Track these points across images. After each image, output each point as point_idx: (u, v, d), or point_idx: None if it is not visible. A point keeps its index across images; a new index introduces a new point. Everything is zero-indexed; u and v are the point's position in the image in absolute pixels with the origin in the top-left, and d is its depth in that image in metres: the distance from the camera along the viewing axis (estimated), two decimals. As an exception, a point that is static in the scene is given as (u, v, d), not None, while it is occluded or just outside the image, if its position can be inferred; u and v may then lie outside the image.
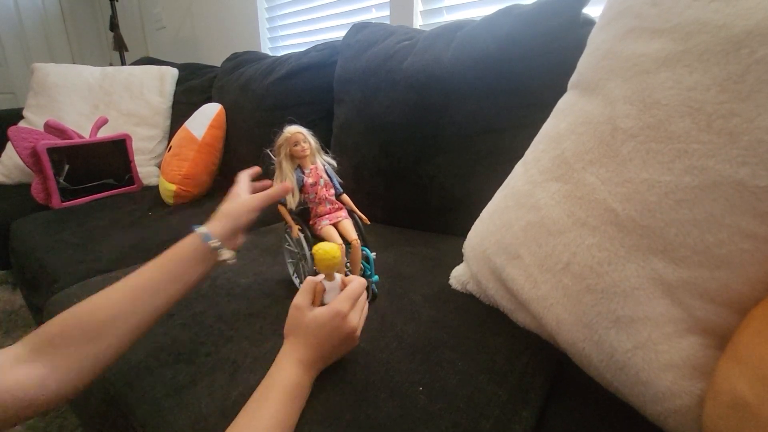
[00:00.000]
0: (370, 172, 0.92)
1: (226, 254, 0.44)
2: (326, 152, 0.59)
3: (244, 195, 0.48)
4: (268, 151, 0.55)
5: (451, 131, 0.81)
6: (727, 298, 0.35)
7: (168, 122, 1.59)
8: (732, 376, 0.31)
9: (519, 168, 0.55)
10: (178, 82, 1.63)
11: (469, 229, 0.60)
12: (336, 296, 0.41)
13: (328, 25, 1.50)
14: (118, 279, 0.66)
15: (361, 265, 0.55)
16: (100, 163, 1.27)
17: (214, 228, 0.44)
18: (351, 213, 0.58)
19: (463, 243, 0.61)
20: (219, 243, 0.43)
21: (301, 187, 0.54)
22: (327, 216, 0.56)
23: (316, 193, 0.55)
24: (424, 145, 0.84)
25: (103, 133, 1.31)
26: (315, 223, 0.56)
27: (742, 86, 0.33)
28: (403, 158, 0.88)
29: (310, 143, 0.54)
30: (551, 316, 0.45)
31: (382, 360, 0.45)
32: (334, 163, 0.58)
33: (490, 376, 0.44)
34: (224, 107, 1.28)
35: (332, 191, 0.57)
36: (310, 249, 0.52)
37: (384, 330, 0.50)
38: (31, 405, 0.33)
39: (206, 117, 1.24)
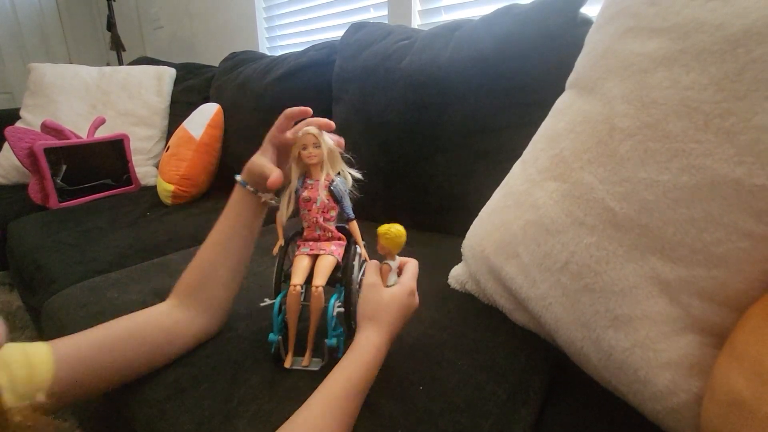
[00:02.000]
0: (368, 172, 0.90)
1: (266, 196, 0.48)
2: (350, 163, 0.49)
3: (265, 156, 0.47)
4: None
5: (450, 130, 0.81)
6: (724, 297, 0.35)
7: (166, 122, 1.58)
8: (729, 374, 0.31)
9: (517, 167, 0.55)
10: (176, 82, 1.63)
11: (467, 229, 0.60)
12: (395, 276, 0.44)
13: (327, 24, 1.50)
14: (116, 279, 0.67)
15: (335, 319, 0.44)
16: (97, 164, 1.27)
17: (246, 176, 0.48)
18: (352, 244, 0.48)
19: (461, 242, 0.61)
20: (254, 189, 0.47)
21: (297, 198, 0.46)
22: (310, 244, 0.47)
23: (308, 211, 0.46)
24: (422, 144, 0.85)
25: (101, 133, 1.30)
26: (299, 245, 0.47)
27: (738, 85, 0.33)
28: (401, 157, 0.88)
29: (323, 150, 0.44)
30: (550, 315, 0.45)
31: (382, 359, 0.45)
32: (349, 178, 0.48)
33: (490, 375, 0.44)
34: (222, 107, 1.28)
35: (331, 215, 0.47)
36: (278, 278, 0.45)
37: (383, 329, 0.50)
38: (189, 339, 0.46)
39: (204, 117, 1.24)
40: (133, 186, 1.36)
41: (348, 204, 0.47)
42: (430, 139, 0.83)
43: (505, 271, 0.50)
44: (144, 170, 1.44)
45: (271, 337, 0.43)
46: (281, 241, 0.46)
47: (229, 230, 0.48)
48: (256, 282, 0.62)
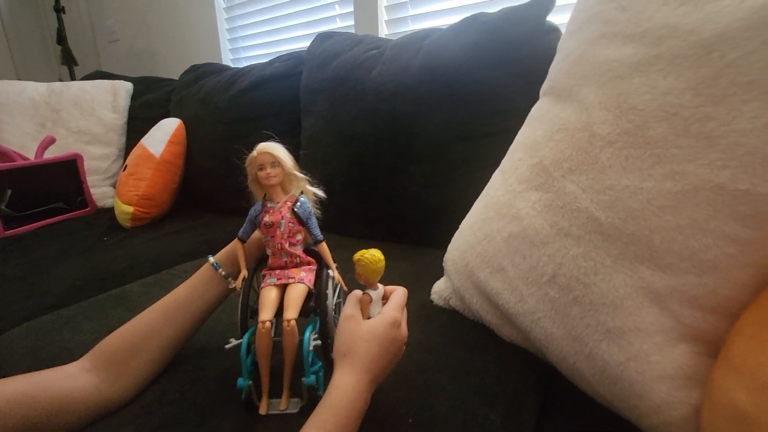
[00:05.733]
0: (341, 185, 0.89)
1: (233, 282, 0.46)
2: (311, 182, 0.46)
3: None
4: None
5: (424, 140, 0.79)
6: (715, 304, 0.35)
7: (123, 139, 1.49)
8: (729, 386, 0.30)
9: (497, 177, 0.54)
10: (134, 97, 1.55)
11: (447, 241, 0.59)
12: (379, 307, 0.39)
13: (292, 35, 1.46)
14: (69, 317, 0.61)
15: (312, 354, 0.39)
16: (47, 186, 1.17)
17: (222, 257, 0.47)
18: (323, 268, 0.44)
19: (441, 254, 0.59)
20: (225, 273, 0.46)
21: (259, 224, 0.43)
22: (277, 272, 0.43)
23: (272, 238, 0.42)
24: (396, 155, 0.82)
25: (51, 153, 1.21)
26: (265, 276, 0.44)
27: (715, 90, 0.33)
28: (375, 169, 0.85)
29: (282, 168, 0.42)
30: (539, 330, 0.43)
31: (366, 390, 0.42)
32: (307, 197, 0.44)
33: (482, 398, 0.41)
34: (184, 122, 1.22)
35: (297, 238, 0.43)
36: (243, 315, 0.41)
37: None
38: (89, 408, 0.39)
39: (164, 133, 1.18)
40: (89, 209, 1.27)
41: (315, 224, 0.43)
42: (404, 150, 0.81)
43: (491, 285, 0.48)
44: (100, 191, 1.35)
45: (240, 383, 0.38)
46: (244, 273, 0.42)
47: (183, 300, 0.45)
48: (224, 312, 0.57)
